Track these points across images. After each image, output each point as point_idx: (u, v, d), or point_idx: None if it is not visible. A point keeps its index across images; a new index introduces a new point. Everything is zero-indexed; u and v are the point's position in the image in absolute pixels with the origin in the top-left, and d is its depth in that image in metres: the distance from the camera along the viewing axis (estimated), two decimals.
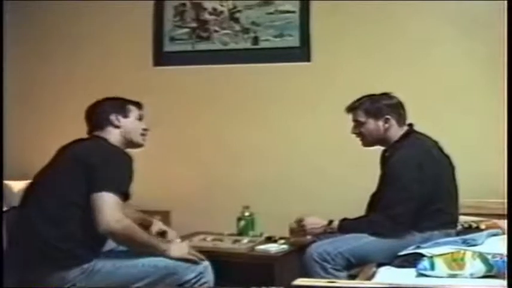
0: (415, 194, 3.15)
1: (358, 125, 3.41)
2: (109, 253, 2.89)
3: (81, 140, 2.96)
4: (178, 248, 2.90)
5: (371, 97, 3.41)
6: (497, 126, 3.75)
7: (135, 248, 2.82)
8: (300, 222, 3.45)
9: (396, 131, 3.36)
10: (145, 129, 3.09)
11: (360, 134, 3.42)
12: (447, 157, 3.35)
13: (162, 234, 3.23)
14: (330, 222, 3.34)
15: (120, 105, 3.04)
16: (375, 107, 3.37)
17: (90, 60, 4.81)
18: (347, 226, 3.28)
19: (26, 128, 4.85)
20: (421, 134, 3.38)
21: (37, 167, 2.96)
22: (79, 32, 4.86)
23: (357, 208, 3.38)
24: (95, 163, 2.74)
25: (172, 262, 2.82)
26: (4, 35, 4.41)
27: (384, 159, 3.41)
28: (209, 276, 2.88)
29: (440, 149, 3.35)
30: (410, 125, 3.41)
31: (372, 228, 3.17)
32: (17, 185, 3.90)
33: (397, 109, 3.39)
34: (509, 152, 2.83)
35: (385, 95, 3.42)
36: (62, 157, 2.91)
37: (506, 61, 3.43)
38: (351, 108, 3.42)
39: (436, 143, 3.35)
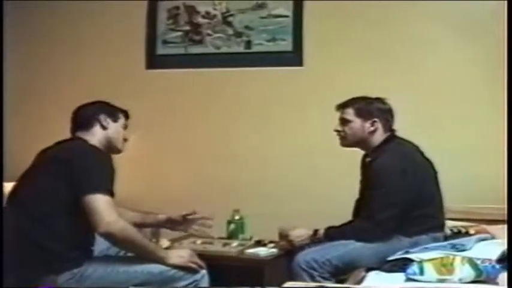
0: (399, 200, 3.16)
1: (343, 123, 3.41)
2: (102, 258, 2.88)
3: (60, 142, 2.95)
4: (178, 255, 2.85)
5: (365, 98, 3.42)
6: (490, 131, 3.77)
7: (133, 251, 2.81)
8: (286, 236, 3.47)
9: (380, 136, 3.37)
10: (125, 139, 3.11)
11: (341, 132, 3.42)
12: (429, 162, 3.36)
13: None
14: (316, 231, 3.35)
15: (111, 109, 3.06)
16: (366, 108, 3.38)
17: (83, 63, 4.81)
18: (333, 234, 3.29)
19: (26, 128, 4.84)
20: (402, 139, 3.39)
21: None
22: (72, 35, 4.86)
23: (351, 211, 3.41)
24: (75, 164, 2.74)
25: (167, 269, 2.78)
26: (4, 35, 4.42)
27: (365, 164, 3.41)
28: (205, 284, 2.85)
29: (422, 154, 3.36)
30: (392, 130, 3.42)
31: (357, 235, 3.19)
32: (9, 187, 3.88)
33: (386, 115, 3.40)
34: (509, 156, 2.83)
35: (379, 99, 3.43)
36: (43, 159, 2.90)
37: (506, 63, 3.44)
38: (342, 106, 3.43)
39: (417, 147, 3.36)
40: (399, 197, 3.16)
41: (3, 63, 4.26)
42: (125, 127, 3.10)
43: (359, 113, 3.37)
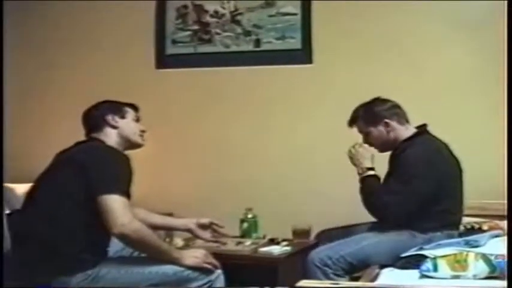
0: (419, 189, 3.13)
1: (364, 135, 3.41)
2: (116, 259, 2.88)
3: (78, 143, 2.97)
4: (192, 255, 2.83)
5: (364, 106, 3.41)
6: (500, 126, 3.75)
7: (147, 252, 2.81)
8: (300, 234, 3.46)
9: (401, 131, 3.35)
10: (143, 131, 3.09)
11: (371, 144, 3.40)
12: (456, 159, 3.33)
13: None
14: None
15: (117, 106, 3.05)
16: (369, 115, 3.37)
17: (92, 62, 4.82)
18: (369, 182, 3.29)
19: (28, 130, 4.86)
20: (432, 135, 3.37)
21: (40, 169, 2.95)
22: (81, 35, 4.87)
23: (361, 209, 3.36)
24: (91, 165, 2.74)
25: (182, 270, 2.77)
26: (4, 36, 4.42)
27: (394, 157, 3.37)
28: (220, 284, 2.84)
29: (451, 151, 3.34)
30: (424, 125, 3.39)
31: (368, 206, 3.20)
32: (20, 188, 3.90)
33: (393, 110, 3.38)
34: (509, 152, 2.83)
35: (377, 99, 3.41)
36: (60, 160, 2.91)
37: (506, 62, 3.42)
38: (351, 122, 3.43)
39: (446, 144, 3.34)
40: (419, 187, 3.12)
41: (4, 63, 4.27)
42: (137, 119, 3.09)
43: (368, 122, 3.36)
